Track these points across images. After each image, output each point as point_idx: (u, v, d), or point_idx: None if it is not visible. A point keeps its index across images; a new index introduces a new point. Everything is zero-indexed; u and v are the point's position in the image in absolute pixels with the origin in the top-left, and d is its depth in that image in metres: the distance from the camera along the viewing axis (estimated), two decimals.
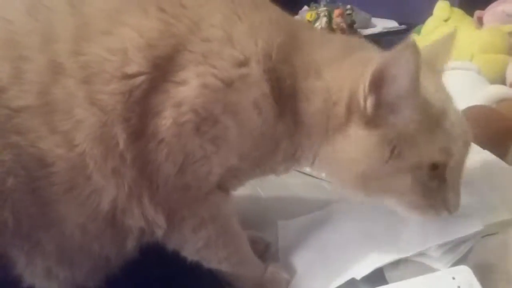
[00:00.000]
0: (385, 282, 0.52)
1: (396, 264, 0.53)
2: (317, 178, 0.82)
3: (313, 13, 2.11)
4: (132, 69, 0.47)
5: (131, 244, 0.53)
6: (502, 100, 0.81)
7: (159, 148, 0.48)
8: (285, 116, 0.52)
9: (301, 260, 0.61)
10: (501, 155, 0.70)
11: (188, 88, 0.48)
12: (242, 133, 0.50)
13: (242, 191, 0.79)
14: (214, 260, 0.57)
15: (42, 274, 0.51)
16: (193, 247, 0.55)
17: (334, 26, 2.10)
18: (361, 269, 0.53)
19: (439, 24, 1.25)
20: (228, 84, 0.48)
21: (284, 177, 0.84)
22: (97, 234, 0.50)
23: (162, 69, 0.47)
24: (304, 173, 0.84)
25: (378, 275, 0.53)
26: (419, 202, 0.51)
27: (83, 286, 0.54)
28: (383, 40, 2.28)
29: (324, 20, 2.07)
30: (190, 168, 0.50)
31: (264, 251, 0.65)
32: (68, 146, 0.46)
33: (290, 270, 0.60)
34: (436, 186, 0.51)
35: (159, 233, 0.52)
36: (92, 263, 0.53)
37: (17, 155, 0.45)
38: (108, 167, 0.47)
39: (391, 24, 2.27)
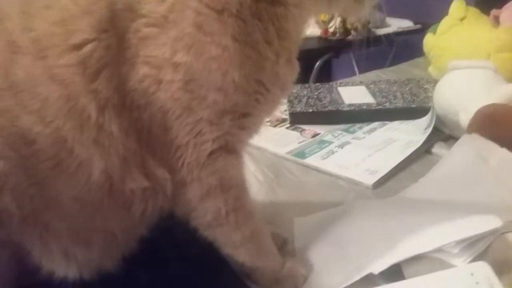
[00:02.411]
0: (403, 278, 0.52)
1: (414, 260, 0.52)
2: (333, 176, 0.83)
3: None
4: (77, 38, 0.47)
5: (137, 211, 0.52)
6: None
7: (142, 115, 0.49)
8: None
9: (318, 256, 0.61)
10: None
11: (133, 48, 0.48)
12: (204, 62, 0.48)
13: (258, 189, 0.80)
14: (229, 243, 0.56)
15: (60, 257, 0.51)
16: (202, 219, 0.54)
17: (349, 26, 2.10)
18: (378, 265, 0.53)
19: (455, 23, 1.24)
20: (162, 24, 0.48)
21: (300, 175, 0.86)
22: (96, 206, 0.50)
23: (111, 35, 0.48)
24: (320, 171, 0.85)
25: (395, 271, 0.53)
26: None
27: (101, 268, 0.54)
28: (398, 39, 2.28)
29: (338, 20, 2.07)
30: (175, 124, 0.49)
31: (281, 247, 0.64)
32: (43, 123, 0.46)
33: (307, 266, 0.60)
34: None
35: (168, 189, 0.52)
36: (101, 240, 0.53)
37: (2, 137, 0.46)
38: (87, 139, 0.47)
39: (406, 24, 2.27)
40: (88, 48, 0.47)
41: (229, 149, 0.53)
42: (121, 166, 0.49)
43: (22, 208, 0.47)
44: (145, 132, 0.50)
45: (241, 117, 0.52)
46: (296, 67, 0.58)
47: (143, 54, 0.48)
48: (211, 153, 0.52)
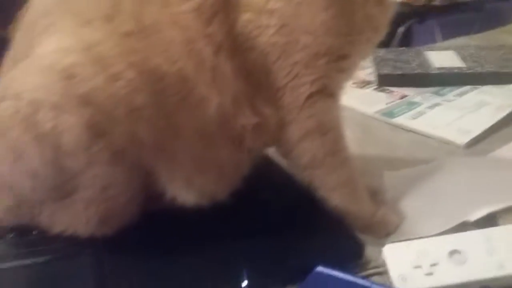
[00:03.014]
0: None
1: (509, 210, 0.54)
2: (423, 135, 0.84)
3: None
4: None
5: (246, 146, 0.57)
6: None
7: (248, 57, 0.54)
8: None
9: (410, 207, 0.63)
10: None
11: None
12: (294, 7, 0.53)
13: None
14: (324, 186, 0.59)
15: (182, 184, 0.56)
16: (300, 160, 0.58)
17: None
18: (474, 213, 0.55)
19: None
20: None
21: (389, 134, 0.87)
22: (212, 138, 0.55)
23: None
24: (410, 131, 0.86)
25: (490, 220, 0.55)
26: None
27: (214, 198, 0.58)
28: (486, 6, 2.17)
29: None
30: (274, 68, 0.54)
31: (373, 197, 0.65)
32: (169, 63, 0.51)
33: (399, 214, 0.62)
34: None
35: (273, 127, 0.56)
36: (215, 171, 0.58)
37: (139, 73, 0.50)
38: (205, 79, 0.53)
39: None
40: None
41: (327, 92, 0.57)
42: (233, 104, 0.54)
43: (154, 138, 0.52)
44: (251, 74, 0.55)
45: (338, 59, 0.56)
46: (389, 7, 0.59)
47: (243, 3, 0.53)
48: (309, 96, 0.55)
